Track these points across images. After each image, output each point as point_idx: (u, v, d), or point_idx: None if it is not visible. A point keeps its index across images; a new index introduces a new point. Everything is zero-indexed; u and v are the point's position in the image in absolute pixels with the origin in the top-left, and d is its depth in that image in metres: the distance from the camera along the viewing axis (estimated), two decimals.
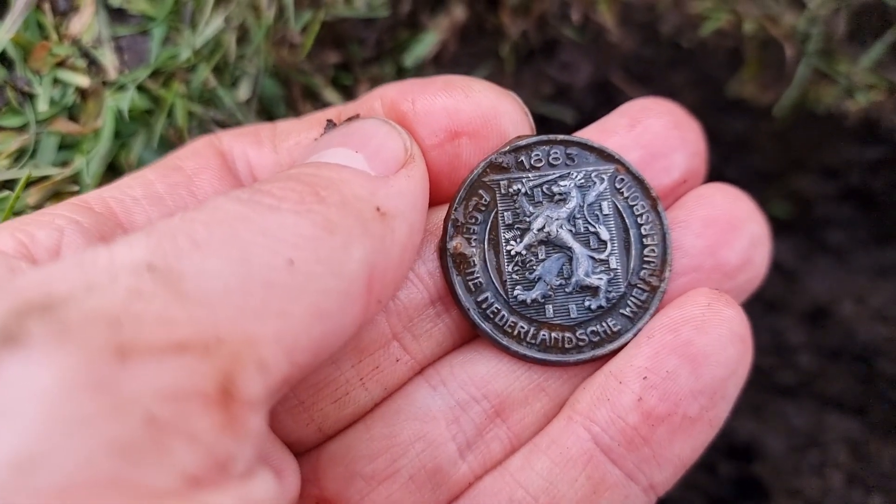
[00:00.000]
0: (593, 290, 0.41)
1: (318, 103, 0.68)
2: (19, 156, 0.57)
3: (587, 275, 0.41)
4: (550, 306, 0.41)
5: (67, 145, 0.58)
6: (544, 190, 0.42)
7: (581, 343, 0.41)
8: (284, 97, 0.67)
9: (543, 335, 0.41)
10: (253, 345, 0.27)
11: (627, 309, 0.41)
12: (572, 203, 0.42)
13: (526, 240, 0.42)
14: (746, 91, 0.76)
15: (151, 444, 0.23)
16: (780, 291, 0.79)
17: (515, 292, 0.41)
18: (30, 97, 0.58)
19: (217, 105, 0.63)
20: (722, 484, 0.76)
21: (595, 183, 0.42)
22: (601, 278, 0.41)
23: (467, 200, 0.42)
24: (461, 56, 0.73)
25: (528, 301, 0.41)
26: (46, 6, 0.60)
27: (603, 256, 0.42)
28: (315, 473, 0.41)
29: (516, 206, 0.42)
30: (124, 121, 0.59)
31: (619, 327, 0.41)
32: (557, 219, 0.42)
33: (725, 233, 0.41)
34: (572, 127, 0.75)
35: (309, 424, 0.41)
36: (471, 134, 0.41)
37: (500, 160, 0.42)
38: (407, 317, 0.41)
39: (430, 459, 0.40)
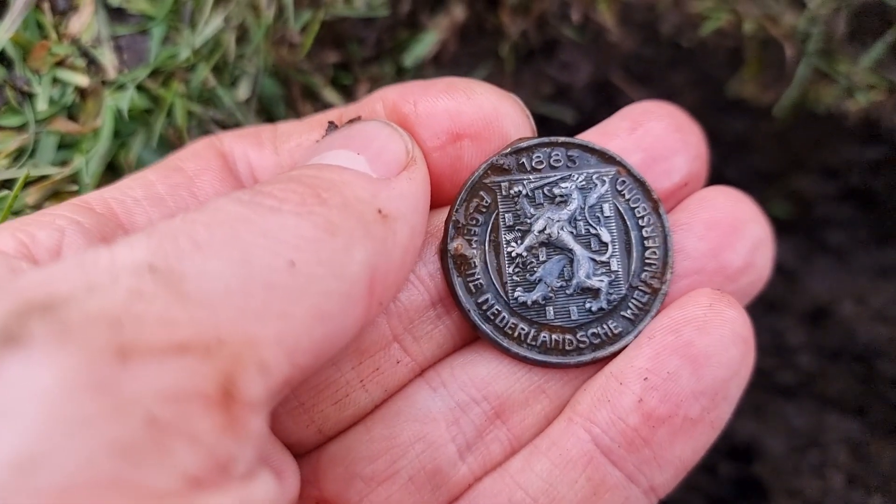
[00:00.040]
0: (594, 292, 0.41)
1: (318, 103, 0.68)
2: (18, 155, 0.57)
3: (588, 277, 0.41)
4: (551, 308, 0.41)
5: (66, 145, 0.58)
6: (545, 192, 0.42)
7: (582, 345, 0.41)
8: (284, 97, 0.66)
9: (544, 337, 0.41)
10: (254, 346, 0.27)
11: (628, 311, 0.41)
12: (573, 205, 0.42)
13: (527, 241, 0.42)
14: (746, 91, 0.76)
15: (152, 444, 0.23)
16: (780, 292, 0.79)
17: (516, 294, 0.41)
18: (29, 96, 0.58)
19: (216, 105, 0.63)
20: (722, 484, 0.76)
21: (596, 185, 0.42)
22: (602, 280, 0.41)
23: (468, 202, 0.42)
24: (461, 56, 0.73)
25: (529, 303, 0.41)
26: (46, 5, 0.60)
27: (604, 258, 0.42)
28: (315, 474, 0.41)
29: (517, 207, 0.42)
30: (123, 120, 0.59)
31: (619, 329, 0.41)
32: (558, 221, 0.42)
33: (728, 235, 0.41)
34: (572, 127, 0.75)
35: (309, 426, 0.41)
36: (472, 136, 0.41)
37: (502, 162, 0.42)
38: (408, 318, 0.41)
39: (429, 461, 0.40)
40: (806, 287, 0.79)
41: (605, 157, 0.42)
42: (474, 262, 0.41)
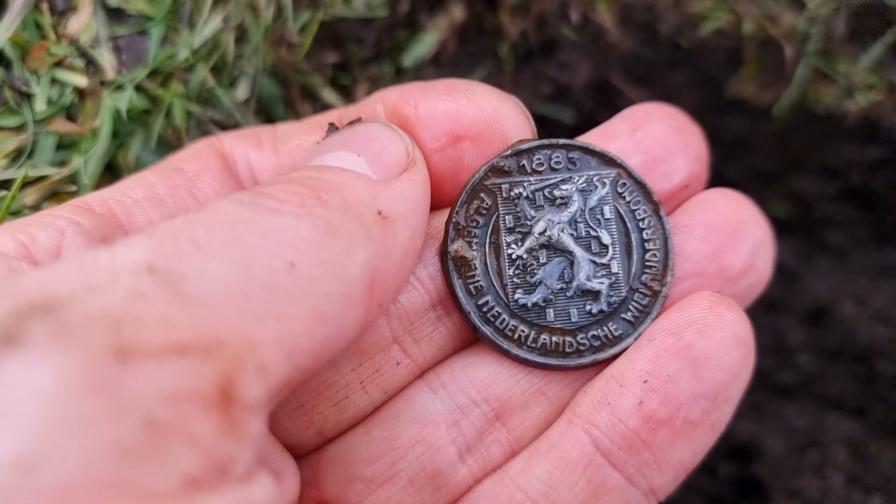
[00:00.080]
0: (594, 295, 0.41)
1: (317, 103, 0.68)
2: (17, 155, 0.57)
3: (588, 279, 0.41)
4: (551, 310, 0.41)
5: (65, 145, 0.58)
6: (546, 194, 0.42)
7: (582, 347, 0.41)
8: (283, 97, 0.66)
9: (544, 339, 0.41)
10: (253, 347, 0.27)
11: (629, 313, 0.41)
12: (574, 207, 0.42)
13: (527, 243, 0.42)
14: (746, 91, 0.76)
15: (151, 445, 0.23)
16: (780, 292, 0.79)
17: (516, 296, 0.41)
18: (27, 97, 0.58)
19: (215, 105, 0.63)
20: (722, 484, 0.76)
21: (597, 187, 0.42)
22: (602, 282, 0.41)
23: (469, 204, 0.42)
24: (460, 56, 0.73)
25: (529, 305, 0.41)
26: (44, 6, 0.60)
27: (604, 261, 0.42)
28: (315, 476, 0.41)
29: (518, 209, 0.42)
30: (122, 121, 0.59)
31: (620, 332, 0.41)
32: (559, 223, 0.42)
33: (729, 238, 0.41)
34: (571, 127, 0.75)
35: (309, 427, 0.41)
36: (473, 138, 0.41)
37: (502, 164, 0.42)
38: (408, 320, 0.41)
39: (429, 462, 0.40)
40: (806, 287, 0.79)
41: (606, 159, 0.42)
42: (474, 264, 0.41)
